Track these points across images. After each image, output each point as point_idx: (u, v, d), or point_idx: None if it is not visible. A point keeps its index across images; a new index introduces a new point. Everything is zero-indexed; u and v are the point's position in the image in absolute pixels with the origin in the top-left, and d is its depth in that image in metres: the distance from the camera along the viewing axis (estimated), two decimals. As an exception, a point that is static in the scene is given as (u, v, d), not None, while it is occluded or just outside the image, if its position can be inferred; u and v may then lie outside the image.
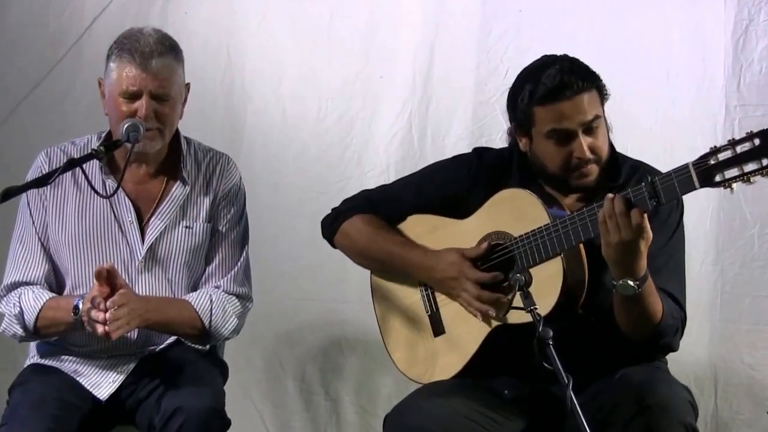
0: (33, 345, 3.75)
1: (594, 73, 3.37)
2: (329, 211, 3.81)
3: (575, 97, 3.31)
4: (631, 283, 3.13)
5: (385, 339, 3.71)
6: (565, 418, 2.95)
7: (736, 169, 2.88)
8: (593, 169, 3.37)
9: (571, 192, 3.45)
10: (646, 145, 4.24)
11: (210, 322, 3.65)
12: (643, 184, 3.06)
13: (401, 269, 3.62)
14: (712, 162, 2.92)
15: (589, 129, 3.34)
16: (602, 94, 3.38)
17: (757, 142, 2.85)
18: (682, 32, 4.46)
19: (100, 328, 3.35)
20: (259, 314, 3.87)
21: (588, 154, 3.34)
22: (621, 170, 3.45)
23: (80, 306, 3.45)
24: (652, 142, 4.36)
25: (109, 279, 3.41)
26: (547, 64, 3.38)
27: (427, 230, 3.59)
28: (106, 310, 3.35)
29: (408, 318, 3.63)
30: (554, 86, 3.31)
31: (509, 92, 3.49)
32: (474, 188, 3.57)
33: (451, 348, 3.52)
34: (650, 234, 3.10)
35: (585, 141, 3.33)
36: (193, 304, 3.64)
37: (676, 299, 3.34)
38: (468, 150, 3.79)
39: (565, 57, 3.40)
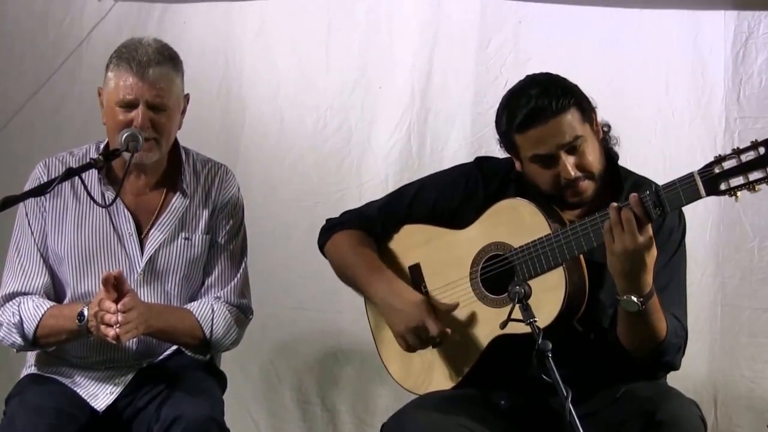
0: (30, 355, 3.73)
1: (571, 90, 3.31)
2: (326, 222, 3.81)
3: (550, 121, 3.27)
4: (635, 299, 3.11)
5: (380, 349, 3.69)
6: (562, 430, 2.94)
7: (741, 178, 2.90)
8: (586, 186, 3.33)
9: (570, 208, 3.41)
10: (646, 158, 4.24)
11: (211, 332, 3.64)
12: (647, 192, 3.05)
13: (363, 291, 3.63)
14: (717, 171, 2.93)
15: (572, 149, 3.30)
16: (584, 110, 3.32)
17: (761, 150, 2.87)
18: (682, 45, 4.45)
19: (111, 332, 3.34)
20: (255, 324, 3.86)
21: (573, 174, 3.29)
22: (623, 187, 3.40)
23: (85, 312, 3.43)
24: (651, 155, 4.36)
25: (116, 285, 3.39)
26: (524, 88, 3.34)
27: (421, 241, 3.57)
28: (116, 313, 3.34)
29: (404, 329, 3.61)
30: (528, 113, 3.28)
31: (495, 117, 3.44)
32: (472, 198, 3.55)
33: (449, 359, 3.50)
34: (655, 248, 3.09)
35: (568, 161, 3.29)
36: (194, 313, 3.63)
37: (679, 319, 3.31)
38: (466, 161, 3.78)
39: (542, 78, 3.35)
